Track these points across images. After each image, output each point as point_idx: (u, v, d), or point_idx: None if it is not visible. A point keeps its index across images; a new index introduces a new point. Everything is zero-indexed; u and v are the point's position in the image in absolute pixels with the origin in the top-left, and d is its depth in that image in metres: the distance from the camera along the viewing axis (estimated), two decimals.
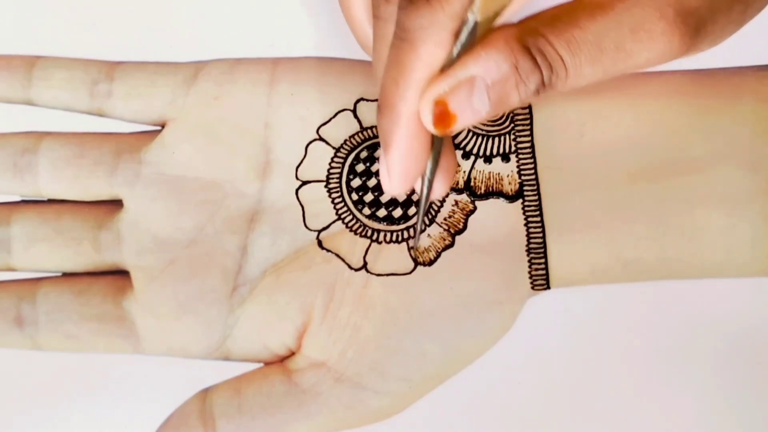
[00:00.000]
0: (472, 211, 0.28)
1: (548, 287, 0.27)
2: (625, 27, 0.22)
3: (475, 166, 0.28)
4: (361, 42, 0.28)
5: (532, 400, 0.27)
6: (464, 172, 0.28)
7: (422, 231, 0.27)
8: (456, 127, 0.22)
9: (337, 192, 0.28)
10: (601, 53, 0.22)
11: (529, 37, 0.22)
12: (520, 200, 0.27)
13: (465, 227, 0.27)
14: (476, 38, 0.22)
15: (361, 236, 0.28)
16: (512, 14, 0.22)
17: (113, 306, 0.28)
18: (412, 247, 0.27)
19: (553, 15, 0.22)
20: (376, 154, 0.28)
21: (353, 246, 0.28)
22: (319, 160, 0.28)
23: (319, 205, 0.28)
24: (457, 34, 0.22)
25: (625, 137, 0.27)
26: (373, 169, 0.28)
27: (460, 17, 0.21)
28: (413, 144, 0.23)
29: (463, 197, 0.28)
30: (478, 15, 0.21)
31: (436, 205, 0.28)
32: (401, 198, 0.28)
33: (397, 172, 0.24)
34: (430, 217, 0.28)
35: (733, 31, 0.24)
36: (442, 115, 0.22)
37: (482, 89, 0.22)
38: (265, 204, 0.28)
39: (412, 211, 0.28)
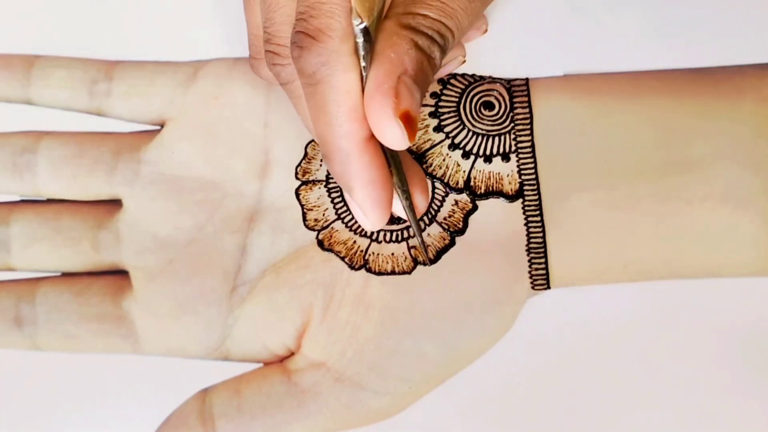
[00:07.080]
0: (472, 211, 0.27)
1: (548, 287, 0.27)
2: None
3: (475, 165, 0.28)
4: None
5: (531, 400, 0.27)
6: (464, 171, 0.28)
7: (425, 245, 0.27)
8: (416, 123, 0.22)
9: (336, 192, 0.28)
10: (470, 1, 0.23)
11: (410, 20, 0.22)
12: (520, 200, 0.27)
13: (465, 227, 0.27)
14: (374, 39, 0.22)
15: (360, 236, 0.28)
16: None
17: (112, 306, 0.28)
18: (423, 262, 0.27)
19: None
20: None
21: (353, 246, 0.27)
22: (318, 161, 0.28)
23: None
24: (356, 49, 0.22)
25: (625, 137, 0.27)
26: None
27: (349, 35, 0.21)
28: (373, 172, 0.23)
29: (463, 197, 0.28)
30: (365, 20, 0.21)
31: (435, 205, 0.28)
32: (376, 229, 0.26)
33: (370, 206, 0.23)
34: (429, 216, 0.28)
35: None
36: (405, 118, 0.21)
37: (410, 82, 0.22)
38: (265, 204, 0.28)
39: None
